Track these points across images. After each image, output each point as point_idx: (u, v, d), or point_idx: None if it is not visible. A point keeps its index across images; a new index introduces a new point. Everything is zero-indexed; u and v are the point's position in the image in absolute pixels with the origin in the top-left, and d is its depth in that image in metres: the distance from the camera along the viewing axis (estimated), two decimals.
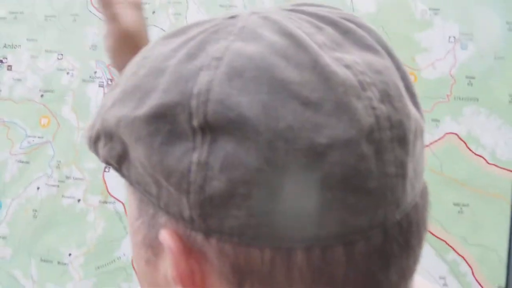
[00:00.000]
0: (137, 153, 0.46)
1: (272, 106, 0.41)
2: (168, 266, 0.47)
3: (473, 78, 1.16)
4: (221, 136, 0.42)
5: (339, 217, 0.42)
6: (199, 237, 0.44)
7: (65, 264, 1.35)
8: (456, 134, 1.16)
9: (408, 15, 1.20)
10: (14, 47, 1.42)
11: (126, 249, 1.34)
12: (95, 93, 1.40)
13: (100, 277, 1.34)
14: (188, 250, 0.45)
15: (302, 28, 0.46)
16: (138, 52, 0.87)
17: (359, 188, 0.41)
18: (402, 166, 0.43)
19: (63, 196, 1.37)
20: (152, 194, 0.47)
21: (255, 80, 0.42)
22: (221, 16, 0.50)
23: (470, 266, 1.15)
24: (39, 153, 1.39)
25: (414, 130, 0.45)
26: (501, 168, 1.16)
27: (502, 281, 1.14)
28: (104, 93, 1.37)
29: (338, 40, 0.46)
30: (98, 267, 1.33)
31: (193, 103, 0.43)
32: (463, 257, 1.15)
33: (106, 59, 1.31)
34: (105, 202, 1.37)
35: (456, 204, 1.16)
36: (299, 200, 0.41)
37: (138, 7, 1.02)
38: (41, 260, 1.37)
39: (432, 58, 1.18)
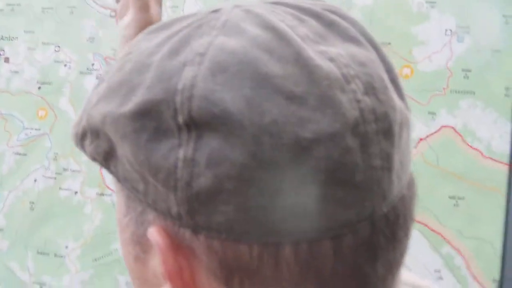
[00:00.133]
0: (124, 150, 0.46)
1: (256, 101, 0.42)
2: (157, 262, 0.47)
3: (470, 71, 1.17)
4: (207, 132, 0.42)
5: (326, 211, 0.42)
6: (187, 234, 0.45)
7: (62, 256, 1.36)
8: (452, 127, 1.18)
9: (404, 8, 1.21)
10: (11, 39, 1.43)
11: None
12: (93, 86, 1.38)
13: (97, 269, 1.35)
14: (177, 246, 0.45)
15: (285, 21, 0.46)
16: None
17: (345, 181, 0.42)
18: (388, 159, 0.44)
19: (60, 188, 1.38)
20: (140, 191, 0.47)
21: (239, 75, 0.42)
22: (205, 10, 0.50)
23: (465, 259, 1.16)
24: (36, 145, 1.40)
25: (399, 122, 0.45)
26: (496, 161, 1.17)
27: (497, 274, 1.15)
28: None
29: (322, 32, 0.47)
30: (95, 259, 1.35)
31: (178, 99, 0.43)
32: (458, 250, 1.16)
33: (103, 51, 1.32)
34: (102, 194, 1.39)
35: (451, 197, 1.17)
36: (285, 195, 0.42)
37: (160, 4, 1.06)
38: (38, 252, 1.38)
39: (428, 51, 1.19)
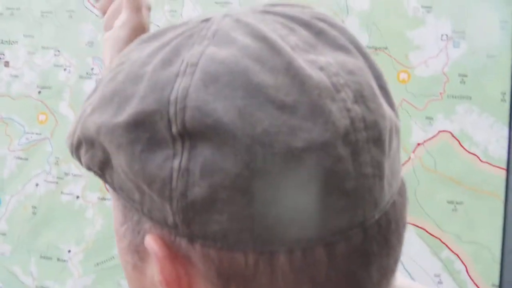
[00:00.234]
0: (119, 160, 0.47)
1: (248, 111, 0.42)
2: (154, 271, 0.48)
3: (466, 76, 1.18)
4: (200, 142, 0.43)
5: (318, 219, 0.43)
6: (183, 242, 0.46)
7: (64, 260, 1.38)
8: (449, 132, 1.19)
9: (401, 12, 1.21)
10: (11, 43, 1.44)
11: None
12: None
13: (99, 274, 1.36)
14: (174, 255, 0.46)
15: (275, 30, 0.47)
16: None
17: (337, 189, 0.43)
18: (378, 166, 0.45)
19: (62, 192, 1.39)
20: (136, 201, 0.47)
21: (230, 85, 0.43)
22: (196, 19, 0.51)
23: (464, 264, 1.17)
24: (37, 150, 1.41)
25: (389, 130, 0.46)
26: (493, 166, 1.18)
27: (496, 279, 1.17)
28: None
29: (311, 41, 0.48)
30: (97, 264, 1.36)
31: (171, 110, 0.44)
32: (457, 254, 1.17)
33: (101, 54, 1.35)
34: (104, 198, 1.40)
35: (450, 202, 1.18)
36: (278, 203, 0.43)
37: (149, 7, 1.09)
38: (41, 256, 1.39)
39: (425, 56, 1.20)
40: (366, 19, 1.23)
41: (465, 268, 1.18)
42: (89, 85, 1.42)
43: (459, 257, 1.18)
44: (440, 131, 1.20)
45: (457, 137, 1.19)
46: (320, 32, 0.48)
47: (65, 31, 1.43)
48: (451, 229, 1.19)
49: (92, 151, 0.50)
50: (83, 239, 1.38)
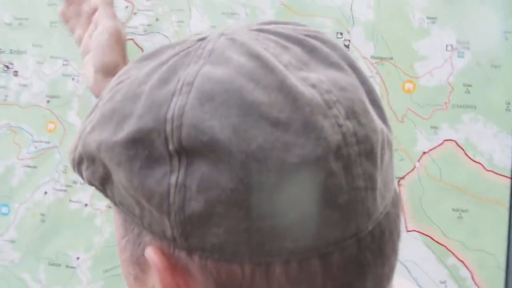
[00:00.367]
0: (119, 177, 0.48)
1: (243, 128, 0.44)
2: (155, 282, 0.50)
3: (470, 86, 1.20)
4: (196, 159, 0.45)
5: (313, 231, 0.45)
6: (182, 255, 0.48)
7: (73, 267, 1.39)
8: (454, 141, 1.21)
9: (406, 23, 1.24)
10: (20, 53, 1.45)
11: None
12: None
13: (107, 280, 1.38)
14: (173, 266, 0.48)
15: (268, 49, 0.49)
16: (123, 51, 1.00)
17: (330, 203, 0.45)
18: (371, 179, 0.46)
19: (70, 200, 1.40)
20: (136, 215, 0.49)
21: (225, 104, 0.44)
22: (192, 38, 0.52)
23: (470, 271, 1.19)
24: (46, 158, 1.42)
25: (381, 143, 0.48)
26: (498, 174, 1.20)
27: (501, 285, 1.19)
28: None
29: (304, 59, 0.49)
30: (106, 271, 1.38)
31: (168, 128, 0.45)
32: (462, 261, 1.19)
33: None
34: (111, 206, 1.41)
35: (455, 210, 1.20)
36: (273, 217, 0.44)
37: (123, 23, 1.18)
38: (50, 263, 1.40)
39: (430, 66, 1.22)
40: (372, 30, 1.25)
41: (470, 275, 1.19)
42: None
43: (464, 264, 1.20)
44: (445, 140, 1.22)
45: (462, 146, 1.21)
46: (313, 49, 0.50)
47: (73, 41, 1.43)
48: (456, 237, 1.20)
49: (93, 167, 0.52)
50: (92, 246, 1.39)
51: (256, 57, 0.47)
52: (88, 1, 1.17)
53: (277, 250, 0.45)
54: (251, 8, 1.31)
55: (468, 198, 1.20)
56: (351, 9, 1.26)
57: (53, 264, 1.41)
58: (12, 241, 1.44)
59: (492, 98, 1.22)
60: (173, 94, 0.46)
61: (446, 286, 1.21)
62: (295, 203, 0.44)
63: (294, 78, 0.46)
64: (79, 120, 1.42)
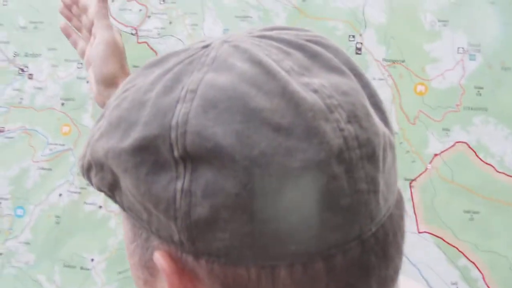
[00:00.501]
0: (126, 183, 0.49)
1: (246, 134, 0.44)
2: (164, 285, 0.50)
3: (482, 88, 1.22)
4: (201, 165, 0.45)
5: (316, 235, 0.45)
6: (189, 259, 0.48)
7: (88, 269, 1.40)
8: (466, 143, 1.22)
9: (418, 26, 1.25)
10: (35, 56, 1.47)
11: None
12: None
13: (121, 282, 1.39)
14: (181, 270, 0.49)
15: (270, 55, 0.49)
16: (121, 61, 1.05)
17: (333, 206, 0.45)
18: (373, 182, 0.47)
19: (85, 202, 1.42)
20: (144, 220, 0.50)
21: (228, 110, 0.45)
22: (196, 45, 0.53)
23: (481, 272, 1.20)
24: (61, 161, 1.44)
25: (383, 146, 0.48)
26: (509, 176, 1.21)
27: None
28: None
29: (306, 64, 0.50)
30: (120, 272, 1.39)
31: (173, 135, 0.46)
32: (474, 263, 1.20)
33: None
34: None
35: (466, 212, 1.21)
36: (277, 221, 0.45)
37: (120, 33, 1.23)
38: (64, 265, 1.42)
39: (441, 68, 1.24)
40: (384, 33, 1.27)
41: (481, 276, 1.20)
42: None
43: (476, 266, 1.20)
44: (456, 142, 1.23)
45: (474, 148, 1.22)
46: (315, 54, 0.51)
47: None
48: (468, 238, 1.21)
49: (101, 174, 0.53)
50: (106, 248, 1.40)
51: (258, 63, 0.48)
52: (87, 15, 1.22)
53: (281, 254, 0.46)
54: (264, 11, 1.32)
55: (479, 199, 1.20)
56: (363, 12, 1.28)
57: (68, 266, 1.43)
58: (27, 243, 1.45)
59: (503, 100, 1.23)
60: (177, 102, 0.47)
61: (457, 287, 1.22)
62: (298, 207, 0.45)
63: (296, 84, 0.47)
64: (93, 122, 1.41)
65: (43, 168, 1.46)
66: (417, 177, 1.23)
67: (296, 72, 0.48)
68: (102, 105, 1.19)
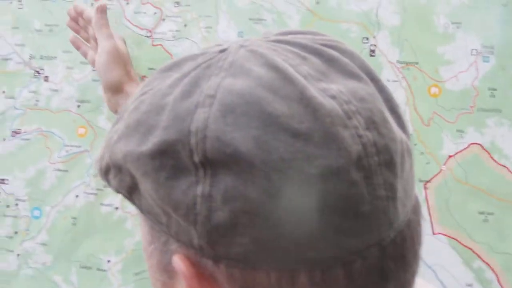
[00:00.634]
0: (145, 186, 0.50)
1: (264, 140, 0.45)
2: (183, 287, 0.51)
3: (495, 90, 1.22)
4: (221, 170, 0.46)
5: (335, 241, 0.46)
6: (209, 263, 0.49)
7: (104, 270, 1.42)
8: (480, 144, 1.22)
9: (431, 28, 1.26)
10: (50, 59, 1.48)
11: None
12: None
13: (138, 283, 1.40)
14: (200, 274, 0.50)
15: (287, 60, 0.50)
16: (126, 67, 1.09)
17: (352, 212, 0.46)
18: (391, 188, 0.48)
19: (101, 204, 1.43)
20: (163, 223, 0.51)
21: (246, 115, 0.46)
22: (213, 49, 0.54)
23: (496, 273, 1.20)
24: (77, 162, 1.45)
25: (400, 152, 0.49)
26: None
27: None
28: None
29: (323, 69, 0.50)
30: (137, 273, 1.40)
31: (192, 140, 0.47)
32: (488, 264, 1.20)
33: (140, 70, 1.38)
34: None
35: (481, 213, 1.22)
36: (296, 226, 0.46)
37: (124, 40, 1.32)
38: (81, 266, 1.43)
39: (455, 70, 1.24)
40: (398, 35, 1.28)
41: (496, 278, 1.21)
42: None
43: (490, 267, 1.21)
44: (470, 144, 1.23)
45: (488, 150, 1.22)
46: (332, 59, 0.51)
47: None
48: (482, 239, 1.22)
49: (120, 176, 0.54)
50: (123, 249, 1.42)
51: (275, 68, 0.49)
52: (92, 26, 1.28)
53: (300, 259, 0.47)
54: (278, 14, 1.33)
55: (493, 201, 1.21)
56: (376, 14, 1.29)
57: (84, 267, 1.44)
58: (44, 244, 1.47)
59: None
60: (196, 107, 0.48)
61: None
62: (317, 213, 0.46)
63: (314, 89, 0.48)
64: (109, 124, 1.44)
65: (59, 170, 1.47)
66: (431, 179, 1.24)
67: (313, 77, 0.49)
68: (114, 111, 1.23)
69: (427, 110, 1.25)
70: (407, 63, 1.27)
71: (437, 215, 1.23)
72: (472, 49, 1.25)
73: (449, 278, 1.23)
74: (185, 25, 1.40)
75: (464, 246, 1.23)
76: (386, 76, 1.25)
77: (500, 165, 1.22)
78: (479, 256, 1.22)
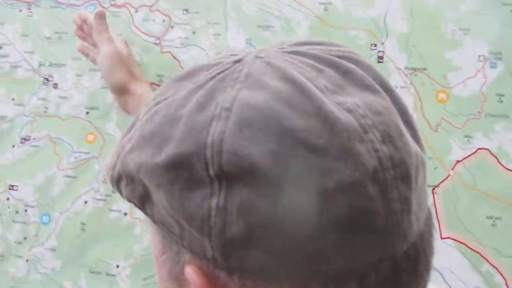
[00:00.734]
0: (159, 197, 0.50)
1: (281, 154, 0.45)
2: None
3: (503, 95, 1.22)
4: (236, 183, 0.46)
5: (349, 254, 0.46)
6: (222, 274, 0.49)
7: (113, 275, 1.42)
8: (487, 149, 1.23)
9: (439, 35, 1.26)
10: (59, 66, 1.50)
11: None
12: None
13: None
14: (213, 285, 0.50)
15: (304, 73, 0.50)
16: (128, 68, 1.09)
17: (367, 226, 0.46)
18: (406, 202, 0.48)
19: (110, 209, 1.44)
20: (176, 234, 0.51)
21: (264, 130, 0.46)
22: (227, 59, 0.53)
23: (504, 277, 1.20)
24: (86, 168, 1.46)
25: (415, 166, 0.49)
26: None
27: None
28: None
29: (339, 81, 0.50)
30: (145, 278, 1.40)
31: (208, 153, 0.46)
32: (497, 268, 1.21)
33: (148, 77, 1.40)
34: None
35: (489, 217, 1.22)
36: (311, 240, 0.46)
37: (126, 43, 1.36)
38: (90, 271, 1.44)
39: (463, 76, 1.25)
40: (405, 42, 1.28)
41: (504, 282, 1.21)
42: None
43: (499, 271, 1.21)
44: (478, 149, 1.24)
45: (495, 155, 1.23)
46: (347, 72, 0.51)
47: None
48: (490, 244, 1.22)
49: (132, 186, 0.53)
50: (131, 254, 1.42)
51: (292, 81, 0.49)
52: None
53: (314, 272, 0.47)
54: (286, 21, 1.34)
55: (501, 205, 1.21)
56: (384, 21, 1.29)
57: (93, 272, 1.44)
58: (53, 249, 1.48)
59: None
60: (212, 119, 0.48)
61: None
62: (332, 227, 0.46)
63: (331, 103, 0.48)
64: (118, 131, 1.46)
65: (68, 176, 1.48)
66: (439, 184, 1.24)
67: (329, 90, 0.49)
68: (124, 110, 1.28)
69: (435, 116, 1.26)
70: (415, 69, 1.27)
71: (445, 220, 1.24)
72: (480, 55, 1.25)
73: (457, 282, 1.23)
74: (193, 32, 1.41)
75: (473, 250, 1.23)
76: (394, 82, 1.26)
77: (508, 170, 1.22)
78: (487, 260, 1.22)
